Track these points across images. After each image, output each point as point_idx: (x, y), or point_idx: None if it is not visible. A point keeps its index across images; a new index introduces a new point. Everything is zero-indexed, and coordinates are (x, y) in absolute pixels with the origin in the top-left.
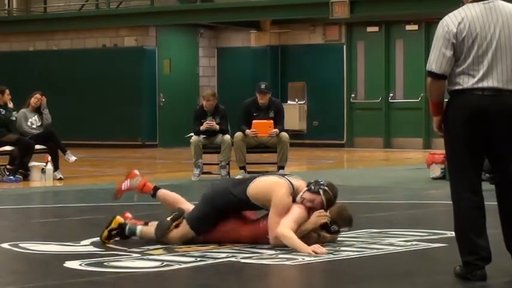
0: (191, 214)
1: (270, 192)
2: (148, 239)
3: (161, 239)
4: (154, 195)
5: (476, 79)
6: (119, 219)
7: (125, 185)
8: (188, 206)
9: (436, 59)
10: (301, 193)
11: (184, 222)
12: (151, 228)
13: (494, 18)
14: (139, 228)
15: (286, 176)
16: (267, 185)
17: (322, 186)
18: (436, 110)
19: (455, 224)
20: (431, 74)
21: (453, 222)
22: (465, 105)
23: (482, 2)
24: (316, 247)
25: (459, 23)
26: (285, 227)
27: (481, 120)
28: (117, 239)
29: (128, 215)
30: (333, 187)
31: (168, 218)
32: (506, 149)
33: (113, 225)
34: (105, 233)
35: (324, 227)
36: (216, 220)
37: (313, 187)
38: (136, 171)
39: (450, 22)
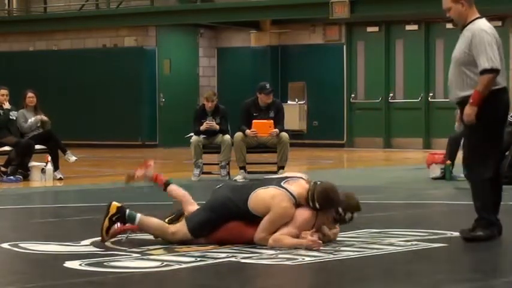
0: (192, 218)
1: (271, 206)
2: (146, 229)
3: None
4: (165, 189)
5: (503, 79)
6: (115, 204)
7: (138, 172)
8: (193, 208)
9: (494, 58)
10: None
11: (184, 223)
12: (151, 219)
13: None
14: (138, 216)
15: (286, 182)
16: (267, 199)
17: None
18: (481, 100)
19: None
20: (495, 71)
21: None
22: (500, 101)
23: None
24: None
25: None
26: (276, 234)
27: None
28: (118, 224)
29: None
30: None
31: (166, 220)
32: None
33: (111, 211)
34: (106, 222)
35: (338, 220)
36: (216, 226)
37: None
38: (151, 162)
39: (494, 29)
